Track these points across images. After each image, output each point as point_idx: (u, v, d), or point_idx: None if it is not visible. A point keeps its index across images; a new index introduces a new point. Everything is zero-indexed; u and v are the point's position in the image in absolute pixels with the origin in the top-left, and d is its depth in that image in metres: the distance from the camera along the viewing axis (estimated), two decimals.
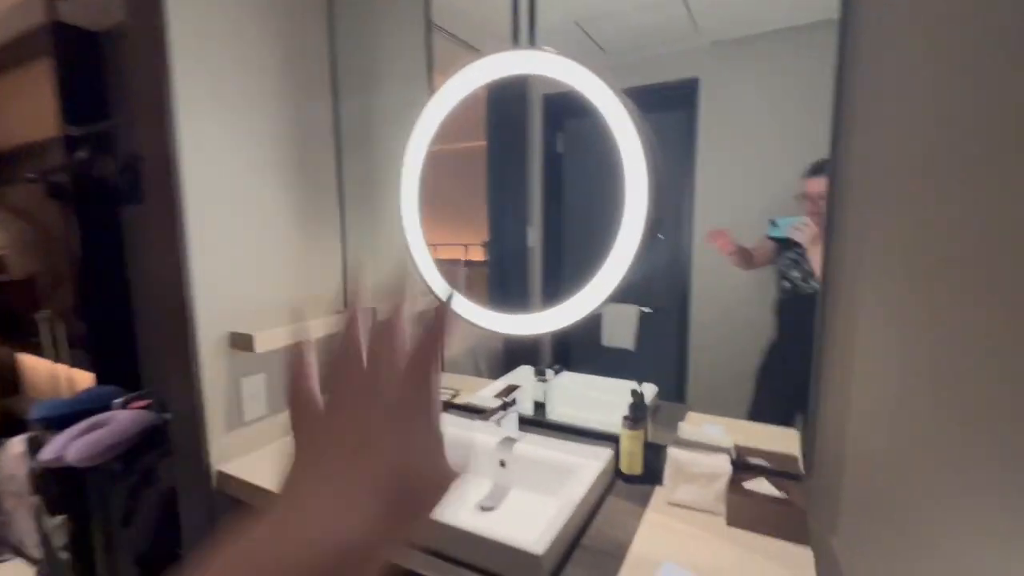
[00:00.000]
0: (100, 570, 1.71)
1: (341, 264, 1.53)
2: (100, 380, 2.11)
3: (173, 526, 1.36)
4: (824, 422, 0.96)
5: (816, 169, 1.14)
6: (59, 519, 1.72)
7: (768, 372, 1.11)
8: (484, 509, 1.08)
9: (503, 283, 1.58)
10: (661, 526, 0.95)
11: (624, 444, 1.10)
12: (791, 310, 1.08)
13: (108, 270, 2.13)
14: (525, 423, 1.27)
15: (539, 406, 1.32)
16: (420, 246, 1.33)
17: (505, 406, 1.15)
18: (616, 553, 0.87)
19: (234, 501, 1.19)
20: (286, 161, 1.33)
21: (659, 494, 1.05)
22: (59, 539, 1.72)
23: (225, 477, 1.19)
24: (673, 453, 1.03)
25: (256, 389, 1.28)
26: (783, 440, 1.10)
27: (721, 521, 0.96)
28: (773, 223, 1.04)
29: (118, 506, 1.55)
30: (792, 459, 1.05)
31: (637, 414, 1.10)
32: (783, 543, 0.89)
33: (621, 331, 1.36)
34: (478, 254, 1.68)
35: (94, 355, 2.14)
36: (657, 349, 1.34)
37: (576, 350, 1.51)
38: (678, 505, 1.01)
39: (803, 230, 1.03)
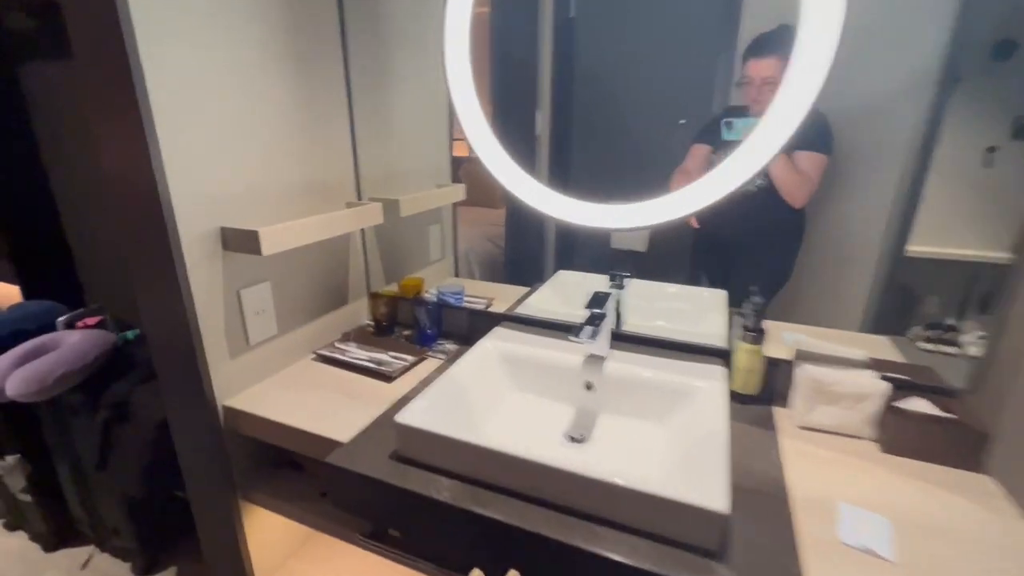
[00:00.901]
0: (76, 511, 1.47)
1: (351, 151, 1.17)
2: (29, 294, 1.71)
3: (166, 466, 1.11)
4: (1015, 324, 0.78)
5: (757, 47, 0.95)
6: (12, 459, 1.43)
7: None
8: (573, 440, 0.89)
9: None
10: (807, 456, 0.79)
11: (741, 359, 0.91)
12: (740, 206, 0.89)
13: (12, 150, 1.64)
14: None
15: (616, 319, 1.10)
16: (476, 123, 1.00)
17: (595, 319, 0.93)
18: (777, 494, 0.70)
19: (245, 439, 0.95)
20: (279, 23, 0.92)
21: (783, 417, 0.89)
22: (16, 481, 1.44)
23: (234, 413, 0.93)
24: (809, 371, 0.86)
25: (261, 302, 0.98)
26: (888, 350, 0.95)
27: (873, 448, 0.82)
28: (728, 125, 0.92)
29: (88, 445, 1.27)
30: (926, 371, 0.90)
31: (758, 324, 0.90)
32: (959, 472, 0.76)
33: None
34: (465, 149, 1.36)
35: (16, 263, 1.72)
36: (670, 250, 1.21)
37: (581, 253, 1.32)
38: (814, 429, 0.86)
39: None
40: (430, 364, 1.08)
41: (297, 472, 1.08)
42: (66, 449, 1.34)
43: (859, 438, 0.84)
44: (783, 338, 0.99)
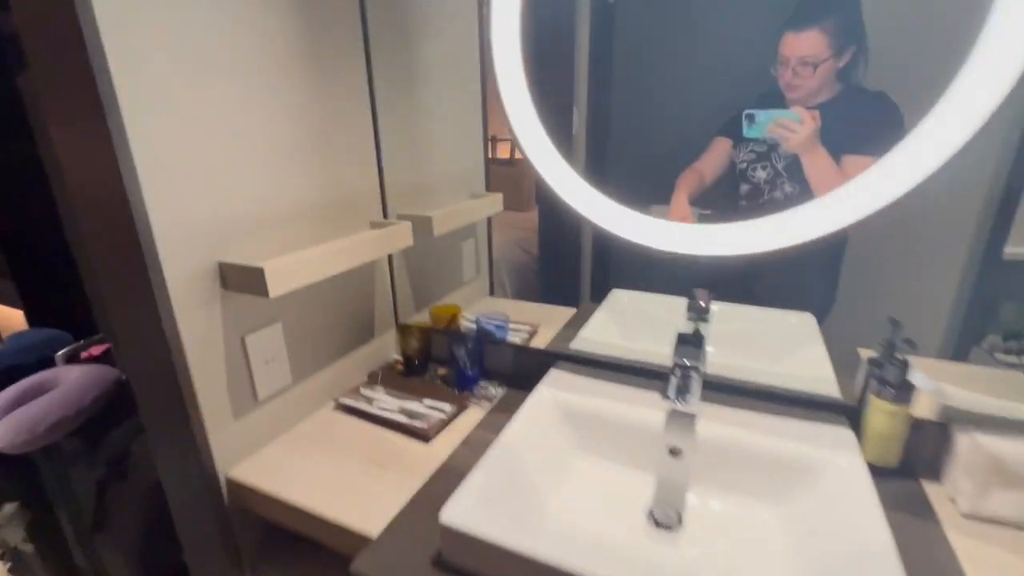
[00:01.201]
0: (79, 561, 1.34)
1: (375, 160, 1.00)
2: (33, 319, 1.59)
3: (169, 533, 0.96)
4: None
5: (795, 17, 0.76)
6: (11, 508, 1.31)
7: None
8: (659, 525, 0.70)
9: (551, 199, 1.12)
10: (995, 564, 0.59)
11: (877, 422, 0.71)
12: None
13: (16, 162, 1.52)
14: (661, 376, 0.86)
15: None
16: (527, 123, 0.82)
17: (684, 371, 0.73)
18: None
19: (255, 516, 0.78)
20: (288, 12, 0.75)
21: (938, 499, 0.68)
22: (15, 531, 1.32)
23: (240, 488, 0.76)
24: (983, 443, 0.64)
25: (272, 348, 0.81)
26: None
27: None
28: (750, 118, 0.79)
29: (86, 499, 1.13)
30: None
31: (904, 376, 0.69)
32: None
33: None
34: (506, 150, 1.18)
35: (19, 283, 1.60)
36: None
37: (617, 261, 1.10)
38: (989, 520, 0.65)
39: (789, 131, 0.77)
40: (472, 415, 0.90)
41: (318, 550, 0.91)
42: (65, 498, 1.20)
43: None
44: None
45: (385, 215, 1.03)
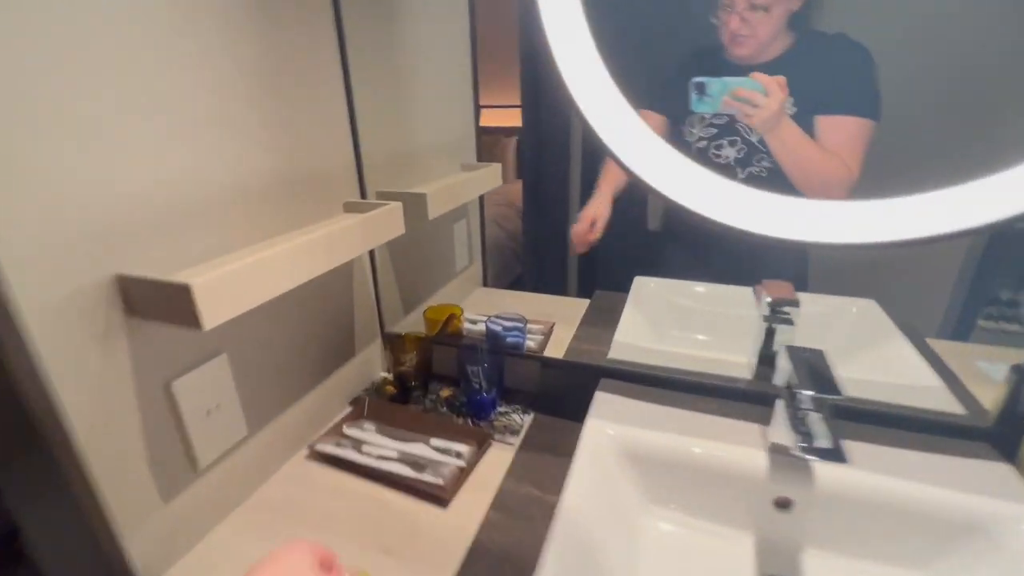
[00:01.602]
0: None
1: (348, 125, 0.73)
2: None
3: None
4: None
5: None
6: None
7: None
8: None
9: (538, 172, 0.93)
10: None
11: None
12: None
13: None
14: (748, 398, 0.67)
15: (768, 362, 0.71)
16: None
17: (797, 401, 0.54)
18: None
19: None
20: None
21: None
22: None
23: None
24: None
25: (215, 393, 0.56)
26: None
27: None
28: (700, 89, 0.64)
29: None
30: None
31: None
32: None
33: None
34: (504, 118, 0.96)
35: None
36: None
37: (607, 241, 0.90)
38: None
39: (752, 105, 0.62)
40: (497, 457, 0.68)
41: None
42: None
43: None
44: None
45: (363, 194, 0.77)
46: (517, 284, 1.13)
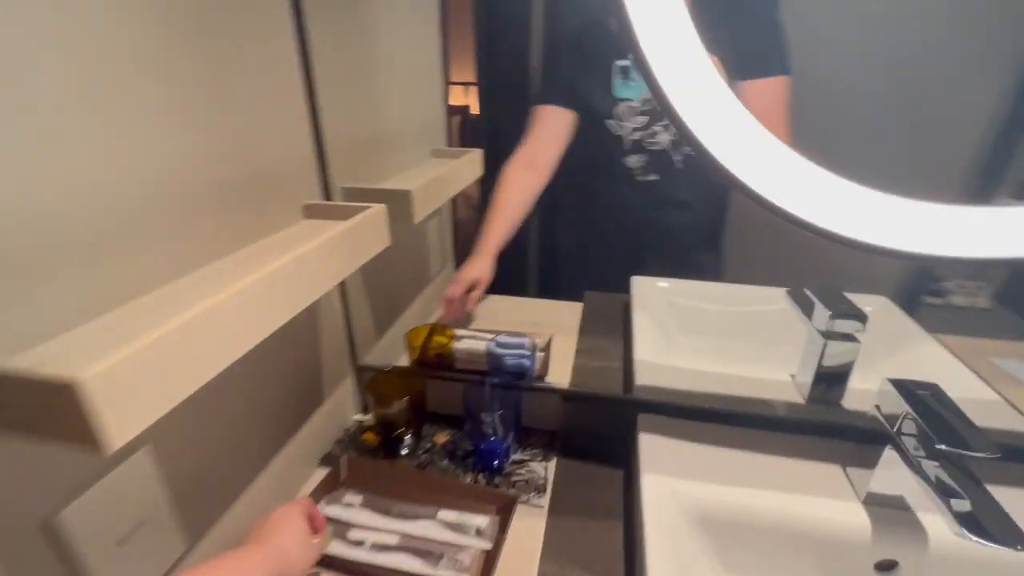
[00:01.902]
0: None
1: (306, 106, 0.53)
2: None
3: None
4: None
5: None
6: None
7: None
8: None
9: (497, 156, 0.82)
10: None
11: None
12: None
13: None
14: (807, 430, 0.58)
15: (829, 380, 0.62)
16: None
17: (898, 430, 0.44)
18: None
19: None
20: None
21: None
22: None
23: None
24: None
25: (134, 510, 0.37)
26: None
27: None
28: (625, 73, 0.63)
29: None
30: None
31: None
32: None
33: None
34: (461, 96, 0.87)
35: None
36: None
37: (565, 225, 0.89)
38: None
39: None
40: (522, 528, 0.54)
41: None
42: None
43: None
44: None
45: (327, 193, 0.58)
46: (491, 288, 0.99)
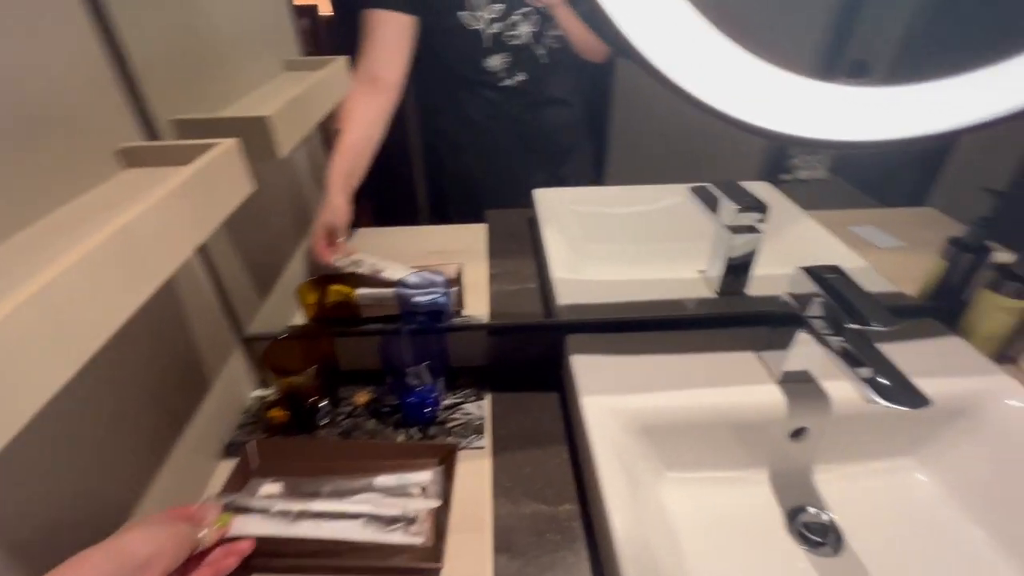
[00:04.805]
0: None
1: (98, 34, 0.37)
2: None
3: None
4: None
5: None
6: None
7: None
8: (810, 540, 0.49)
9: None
10: None
11: (990, 322, 0.58)
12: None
13: None
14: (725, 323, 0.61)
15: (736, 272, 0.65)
16: None
17: (808, 313, 0.47)
18: None
19: None
20: None
21: None
22: None
23: None
24: None
25: None
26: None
27: None
28: None
29: None
30: None
31: None
32: None
33: None
34: None
35: None
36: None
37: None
38: None
39: None
40: (468, 474, 0.52)
41: None
42: None
43: None
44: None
45: (152, 131, 0.44)
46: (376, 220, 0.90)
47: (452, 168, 0.85)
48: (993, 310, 0.57)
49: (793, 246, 0.74)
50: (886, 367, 0.43)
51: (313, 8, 0.76)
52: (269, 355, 0.55)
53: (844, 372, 0.43)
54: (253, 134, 0.47)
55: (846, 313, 0.44)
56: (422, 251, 0.78)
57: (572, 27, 0.68)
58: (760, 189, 0.71)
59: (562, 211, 0.80)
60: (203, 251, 0.52)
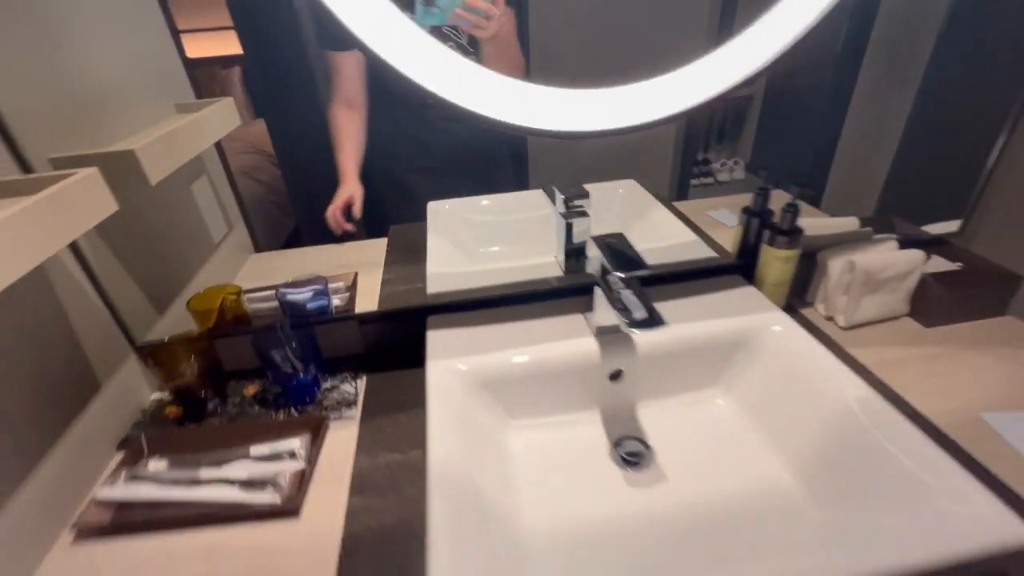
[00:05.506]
0: None
1: None
2: None
3: None
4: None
5: None
6: None
7: None
8: (629, 463, 0.59)
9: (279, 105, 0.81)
10: (882, 363, 0.65)
11: (773, 271, 0.70)
12: None
13: None
14: (567, 293, 0.72)
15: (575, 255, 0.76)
16: None
17: (606, 276, 0.58)
18: (909, 412, 0.54)
19: None
20: None
21: (821, 323, 0.74)
22: None
23: None
24: (862, 264, 0.68)
25: None
26: None
27: (914, 326, 0.72)
28: (427, 2, 0.62)
29: None
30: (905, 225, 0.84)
31: (795, 222, 0.68)
32: (1011, 322, 0.71)
33: None
34: (217, 44, 0.82)
35: None
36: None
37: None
38: (861, 325, 0.72)
39: (486, 17, 0.62)
40: (340, 440, 0.60)
41: None
42: None
43: (895, 318, 0.73)
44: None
45: (23, 165, 0.52)
46: (294, 240, 0.97)
47: (382, 186, 0.88)
48: (771, 260, 0.69)
49: (647, 229, 0.86)
50: (647, 305, 0.54)
51: (233, 57, 0.84)
52: (154, 358, 0.63)
53: (612, 312, 0.54)
54: (124, 166, 0.56)
55: (613, 265, 0.55)
56: (333, 264, 0.86)
57: (496, 62, 0.67)
58: (624, 185, 0.83)
59: (451, 218, 0.90)
60: (89, 272, 0.60)
